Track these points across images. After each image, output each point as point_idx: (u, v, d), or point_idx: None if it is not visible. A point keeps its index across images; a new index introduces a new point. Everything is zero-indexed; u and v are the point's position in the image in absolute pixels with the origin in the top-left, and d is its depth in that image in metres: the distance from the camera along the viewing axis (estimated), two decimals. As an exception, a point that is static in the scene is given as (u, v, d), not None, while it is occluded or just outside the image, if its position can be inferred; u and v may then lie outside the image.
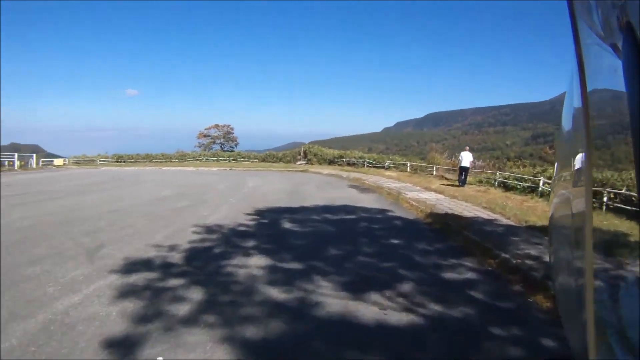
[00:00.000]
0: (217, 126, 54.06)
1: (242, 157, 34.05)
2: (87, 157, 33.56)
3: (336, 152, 30.43)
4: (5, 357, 2.76)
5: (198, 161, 33.59)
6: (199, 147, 52.21)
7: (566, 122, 0.46)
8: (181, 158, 34.50)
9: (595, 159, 0.39)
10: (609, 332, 0.40)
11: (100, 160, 33.07)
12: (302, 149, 30.99)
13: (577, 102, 0.38)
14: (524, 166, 17.69)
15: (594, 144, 0.36)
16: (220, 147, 52.76)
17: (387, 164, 24.16)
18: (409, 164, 22.70)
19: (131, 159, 33.39)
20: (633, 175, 0.29)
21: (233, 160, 33.46)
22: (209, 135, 53.62)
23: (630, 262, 0.40)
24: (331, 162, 29.30)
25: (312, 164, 29.63)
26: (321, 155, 30.02)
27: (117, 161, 33.02)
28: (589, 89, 0.35)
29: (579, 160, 0.39)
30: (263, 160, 32.78)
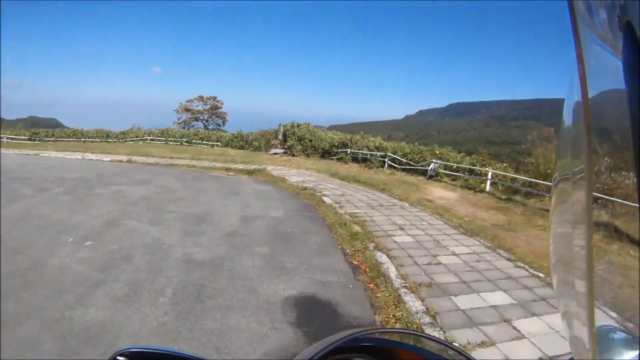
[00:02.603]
0: (201, 98, 42.95)
1: (200, 139, 23.18)
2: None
3: (336, 136, 18.52)
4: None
5: (140, 142, 23.13)
6: (178, 123, 41.72)
7: (566, 124, 0.45)
8: (122, 137, 24.18)
9: (596, 161, 0.38)
10: (609, 332, 0.41)
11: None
12: (281, 130, 19.36)
13: (576, 104, 0.38)
14: None
15: (594, 145, 0.36)
16: (204, 124, 42.18)
17: (431, 167, 12.32)
18: (490, 173, 10.73)
19: (50, 136, 23.60)
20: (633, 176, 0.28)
21: (186, 142, 22.68)
22: (190, 110, 42.85)
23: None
24: (325, 154, 17.89)
25: (294, 155, 18.26)
26: (310, 141, 18.41)
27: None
28: (588, 90, 0.35)
29: (579, 162, 0.39)
30: (226, 144, 21.80)
